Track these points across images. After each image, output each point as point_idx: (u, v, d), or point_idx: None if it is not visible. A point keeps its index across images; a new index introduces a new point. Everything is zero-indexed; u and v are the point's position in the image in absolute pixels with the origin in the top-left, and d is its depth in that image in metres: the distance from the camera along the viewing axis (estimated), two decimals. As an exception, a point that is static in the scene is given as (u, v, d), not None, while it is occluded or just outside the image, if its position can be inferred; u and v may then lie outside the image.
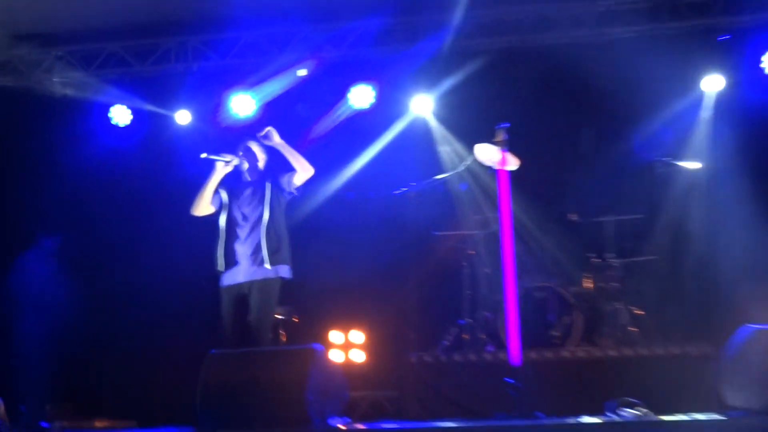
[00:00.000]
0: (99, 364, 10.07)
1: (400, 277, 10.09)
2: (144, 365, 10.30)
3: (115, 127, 10.97)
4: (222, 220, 7.93)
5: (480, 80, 10.05)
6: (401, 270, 10.04)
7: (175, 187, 9.56)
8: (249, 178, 8.12)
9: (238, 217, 7.94)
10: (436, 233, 9.96)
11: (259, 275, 7.74)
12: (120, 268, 10.60)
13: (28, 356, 9.73)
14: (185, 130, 10.92)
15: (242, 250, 7.82)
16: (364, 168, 10.48)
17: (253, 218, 7.91)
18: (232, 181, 8.09)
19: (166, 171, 10.52)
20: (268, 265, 7.71)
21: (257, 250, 7.77)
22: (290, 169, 7.91)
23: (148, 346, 10.31)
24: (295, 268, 7.94)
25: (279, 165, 8.03)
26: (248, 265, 7.78)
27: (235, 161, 7.97)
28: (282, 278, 7.81)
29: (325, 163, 9.82)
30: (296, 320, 9.53)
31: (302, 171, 7.88)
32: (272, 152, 8.08)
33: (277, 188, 7.98)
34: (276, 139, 7.89)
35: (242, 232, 7.89)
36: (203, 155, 7.84)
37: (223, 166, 7.89)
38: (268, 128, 7.87)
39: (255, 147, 8.13)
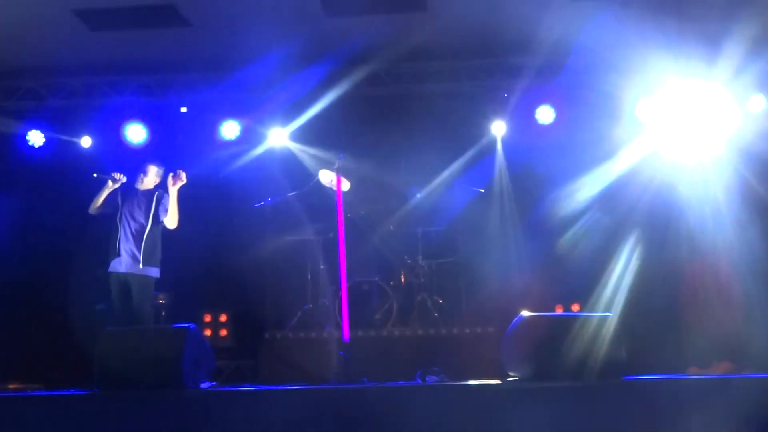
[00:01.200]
0: (10, 336, 9.62)
1: (258, 271, 10.01)
2: (49, 338, 9.93)
3: (32, 147, 10.50)
4: (117, 218, 7.97)
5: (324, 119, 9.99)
6: (259, 266, 9.95)
7: (77, 195, 9.15)
8: (141, 191, 8.09)
9: (128, 219, 7.98)
10: (288, 238, 9.92)
11: (136, 271, 7.84)
12: (29, 255, 10.22)
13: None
14: (88, 152, 10.52)
15: (126, 246, 7.88)
16: (232, 185, 10.24)
17: (137, 224, 7.96)
18: (129, 189, 8.13)
19: (71, 180, 10.00)
20: (141, 266, 7.82)
21: (137, 251, 7.84)
22: (166, 210, 7.98)
23: (52, 322, 9.95)
24: (177, 263, 8.03)
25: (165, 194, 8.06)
26: (128, 260, 7.86)
27: (122, 180, 8.00)
28: (151, 277, 7.90)
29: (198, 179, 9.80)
30: (162, 302, 9.45)
31: (170, 223, 7.99)
32: (165, 179, 8.09)
33: (159, 209, 8.02)
34: (176, 186, 7.87)
35: (127, 232, 7.92)
36: (95, 175, 7.97)
37: (111, 183, 7.95)
38: (182, 173, 7.88)
39: (153, 169, 8.17)
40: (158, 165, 8.26)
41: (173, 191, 7.90)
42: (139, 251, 7.85)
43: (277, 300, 10.05)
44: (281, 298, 10.02)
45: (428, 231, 9.80)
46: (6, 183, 10.30)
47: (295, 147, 10.29)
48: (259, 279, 10.06)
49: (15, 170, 10.37)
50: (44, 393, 6.90)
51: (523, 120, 10.04)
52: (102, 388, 5.99)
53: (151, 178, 8.21)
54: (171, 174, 7.92)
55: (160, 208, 8.04)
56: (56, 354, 9.74)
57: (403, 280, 9.71)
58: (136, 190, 8.17)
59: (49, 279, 10.17)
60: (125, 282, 7.87)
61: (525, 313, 6.07)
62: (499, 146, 10.19)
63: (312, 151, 10.06)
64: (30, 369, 9.58)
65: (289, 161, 10.28)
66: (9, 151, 10.46)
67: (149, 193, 8.13)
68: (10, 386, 8.96)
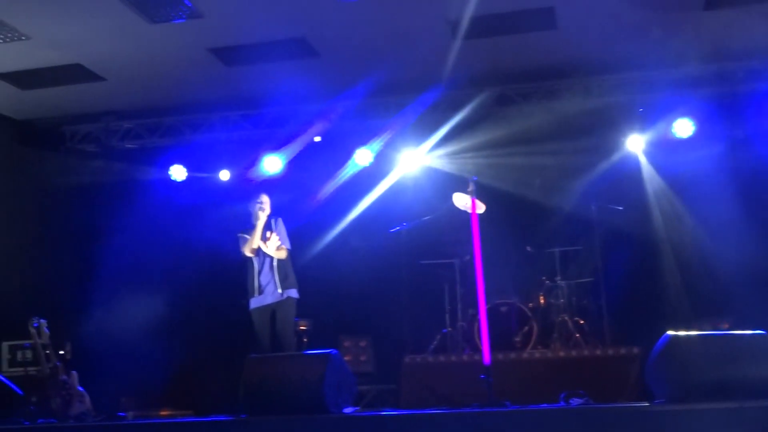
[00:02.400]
0: (164, 366, 9.95)
1: (396, 296, 10.08)
2: (198, 367, 10.26)
3: (173, 182, 10.91)
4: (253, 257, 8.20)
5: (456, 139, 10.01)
6: (397, 290, 10.04)
7: (218, 227, 9.65)
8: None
9: (259, 252, 8.19)
10: (424, 262, 9.97)
11: (277, 298, 8.07)
12: (176, 296, 10.51)
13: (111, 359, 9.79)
14: (226, 184, 10.87)
15: (264, 280, 8.12)
16: (366, 212, 10.36)
17: (268, 256, 8.18)
18: (249, 225, 8.31)
19: (210, 213, 10.42)
20: (280, 291, 8.04)
21: (274, 280, 8.07)
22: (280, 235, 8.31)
23: (200, 351, 10.29)
24: (317, 290, 8.24)
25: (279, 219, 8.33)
26: (269, 292, 8.10)
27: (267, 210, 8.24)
28: (293, 298, 8.10)
29: (335, 208, 9.93)
30: (303, 328, 9.63)
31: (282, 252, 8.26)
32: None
33: (279, 234, 8.26)
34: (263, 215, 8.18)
35: (263, 264, 8.16)
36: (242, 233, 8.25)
37: (261, 214, 8.18)
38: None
39: (266, 199, 8.33)
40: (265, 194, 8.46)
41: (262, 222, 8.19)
42: (276, 279, 8.09)
43: (416, 324, 10.11)
44: (419, 322, 10.08)
45: (566, 251, 9.67)
46: (151, 217, 10.60)
47: (427, 171, 10.36)
48: (397, 303, 10.17)
49: (160, 204, 10.71)
50: (194, 419, 7.08)
51: (661, 134, 9.82)
52: (249, 413, 6.11)
53: (268, 208, 8.37)
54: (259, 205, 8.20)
55: (280, 234, 8.27)
56: (205, 381, 10.05)
57: (542, 301, 9.61)
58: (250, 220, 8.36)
59: (197, 310, 10.55)
60: (267, 312, 8.12)
61: (671, 332, 5.87)
62: (643, 160, 10.02)
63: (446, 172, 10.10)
64: (181, 396, 9.92)
65: (421, 185, 10.35)
66: (153, 187, 10.88)
67: (267, 223, 8.34)
68: (162, 413, 9.35)
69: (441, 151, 10.13)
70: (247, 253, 8.19)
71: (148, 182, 10.90)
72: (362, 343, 10.27)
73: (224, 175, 10.86)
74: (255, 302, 8.15)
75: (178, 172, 10.83)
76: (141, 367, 9.88)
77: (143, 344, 9.91)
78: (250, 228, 8.24)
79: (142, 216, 10.51)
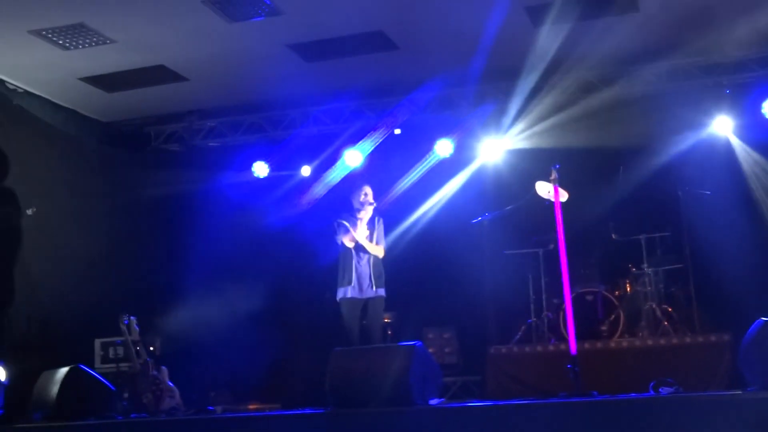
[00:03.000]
0: (251, 360, 10.08)
1: (480, 287, 10.07)
2: (285, 361, 10.40)
3: (257, 178, 11.08)
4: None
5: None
6: (480, 281, 10.02)
7: (301, 221, 9.89)
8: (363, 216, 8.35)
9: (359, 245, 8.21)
10: (506, 252, 9.94)
11: (370, 294, 8.13)
12: (261, 290, 10.49)
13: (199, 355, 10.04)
14: (306, 180, 10.98)
15: (359, 273, 8.15)
16: (448, 203, 10.37)
17: (366, 251, 8.21)
18: (346, 213, 8.36)
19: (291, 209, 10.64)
20: (374, 288, 8.11)
21: (369, 276, 8.13)
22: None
23: (287, 345, 10.39)
24: (401, 282, 8.39)
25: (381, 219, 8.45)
26: (363, 286, 8.15)
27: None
28: (383, 297, 8.19)
29: (416, 200, 10.05)
30: (388, 320, 9.65)
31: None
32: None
33: (379, 234, 8.35)
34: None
35: (361, 258, 8.19)
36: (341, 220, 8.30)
37: (368, 208, 8.29)
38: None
39: (370, 191, 8.35)
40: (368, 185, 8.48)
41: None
42: (372, 276, 8.15)
43: (500, 315, 10.09)
44: (504, 313, 10.07)
45: (652, 237, 9.51)
46: (236, 214, 10.81)
47: (509, 160, 10.34)
48: (481, 294, 10.14)
49: (243, 201, 10.90)
50: (282, 413, 7.20)
51: (750, 116, 9.62)
52: (335, 406, 6.15)
53: (371, 200, 8.38)
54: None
55: (379, 233, 8.32)
56: (292, 374, 10.23)
57: (628, 289, 9.51)
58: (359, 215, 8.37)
59: (283, 303, 10.70)
60: (359, 305, 8.20)
61: (764, 318, 5.74)
62: (735, 141, 9.84)
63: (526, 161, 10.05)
64: (268, 390, 10.10)
65: (503, 175, 10.32)
66: (237, 184, 11.04)
67: (371, 219, 8.38)
68: (250, 406, 9.49)
69: (522, 139, 10.06)
70: (347, 243, 8.22)
71: (231, 180, 11.04)
72: (446, 335, 10.27)
73: (305, 171, 10.98)
74: (348, 293, 8.18)
75: (260, 169, 10.99)
76: (228, 362, 10.16)
77: (231, 340, 10.07)
78: (348, 216, 8.27)
79: (226, 213, 10.71)
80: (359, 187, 8.36)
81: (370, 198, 8.29)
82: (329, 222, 8.44)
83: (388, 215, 8.86)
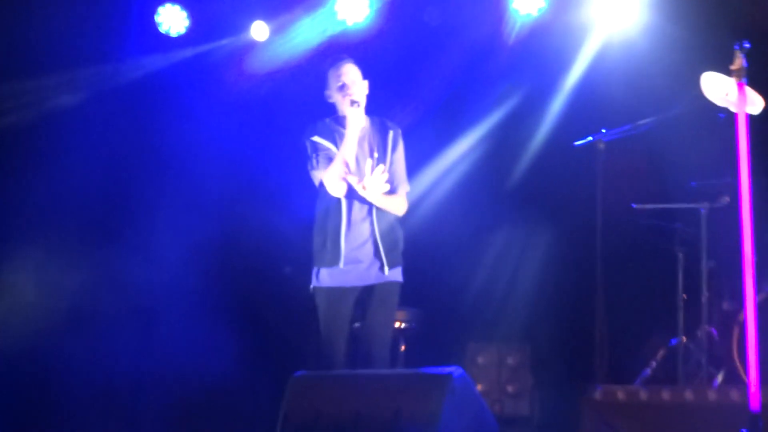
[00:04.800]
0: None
1: (581, 272, 10.05)
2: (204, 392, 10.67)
3: (165, 37, 11.31)
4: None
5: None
6: (582, 262, 9.97)
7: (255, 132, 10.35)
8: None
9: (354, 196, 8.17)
10: (636, 206, 9.96)
11: (374, 278, 8.17)
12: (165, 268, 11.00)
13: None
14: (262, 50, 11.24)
15: (358, 241, 8.16)
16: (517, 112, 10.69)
17: (363, 202, 8.16)
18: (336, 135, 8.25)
19: (237, 107, 11.14)
20: (383, 268, 8.12)
21: (374, 246, 8.15)
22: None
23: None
24: (424, 265, 8.72)
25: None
26: (367, 264, 8.15)
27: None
28: (397, 283, 8.24)
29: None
30: (402, 325, 10.10)
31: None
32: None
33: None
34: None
35: (355, 218, 8.16)
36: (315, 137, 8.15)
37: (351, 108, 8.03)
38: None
39: (355, 71, 8.18)
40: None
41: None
42: (380, 246, 8.12)
43: (614, 327, 9.92)
44: (621, 325, 9.99)
45: None
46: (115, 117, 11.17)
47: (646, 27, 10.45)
48: (583, 287, 10.02)
49: (134, 88, 11.25)
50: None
51: None
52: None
53: (363, 96, 8.20)
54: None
55: (396, 163, 8.24)
56: (227, 404, 10.53)
57: None
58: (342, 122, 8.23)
59: (207, 290, 11.04)
60: (350, 297, 8.23)
61: None
62: None
63: None
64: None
65: (637, 55, 10.51)
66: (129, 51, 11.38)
67: (380, 135, 8.24)
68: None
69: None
70: (329, 186, 8.04)
71: (113, 42, 11.36)
72: (511, 360, 10.42)
73: (258, 29, 11.17)
74: (331, 278, 8.13)
75: (173, 22, 11.29)
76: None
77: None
78: (329, 128, 8.17)
79: (95, 117, 11.19)
80: (333, 66, 8.19)
81: (355, 88, 8.08)
82: (300, 140, 8.27)
83: (414, 134, 8.86)
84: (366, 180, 7.82)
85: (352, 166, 7.94)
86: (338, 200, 8.04)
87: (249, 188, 10.95)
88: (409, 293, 8.69)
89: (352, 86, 7.99)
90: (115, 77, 11.25)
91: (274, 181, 10.37)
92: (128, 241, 10.94)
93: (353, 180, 7.86)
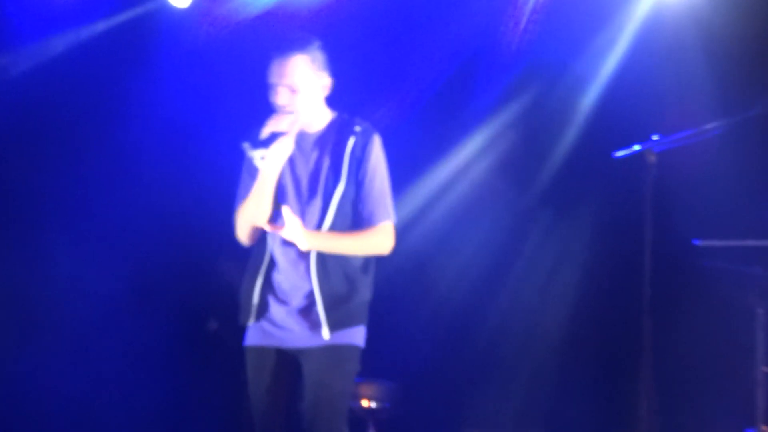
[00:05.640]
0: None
1: (621, 333, 10.15)
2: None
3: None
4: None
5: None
6: (624, 318, 9.99)
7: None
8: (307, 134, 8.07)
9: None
10: (699, 243, 9.66)
11: (306, 341, 8.04)
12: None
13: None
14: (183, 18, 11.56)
15: (290, 283, 8.00)
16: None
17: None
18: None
19: (148, 93, 11.39)
20: (322, 326, 7.90)
21: (309, 293, 7.95)
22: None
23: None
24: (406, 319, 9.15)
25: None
26: (295, 318, 8.02)
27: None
28: (354, 347, 8.06)
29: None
30: (370, 405, 10.24)
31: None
32: None
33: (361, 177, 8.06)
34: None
35: (289, 251, 7.98)
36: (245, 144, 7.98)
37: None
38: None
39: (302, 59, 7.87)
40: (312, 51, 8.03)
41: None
42: (316, 293, 7.87)
43: (678, 408, 10.28)
44: (686, 404, 10.43)
45: None
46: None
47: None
48: (629, 350, 9.85)
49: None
50: None
51: None
52: None
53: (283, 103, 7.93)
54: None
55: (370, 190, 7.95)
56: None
57: None
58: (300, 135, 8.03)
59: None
60: (282, 360, 8.11)
61: None
62: None
63: None
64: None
65: (708, 29, 10.53)
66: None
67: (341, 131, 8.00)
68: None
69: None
70: (236, 231, 8.00)
71: None
72: None
73: None
74: (252, 333, 8.08)
75: None
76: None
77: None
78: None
79: None
80: (276, 56, 7.92)
81: (290, 98, 7.79)
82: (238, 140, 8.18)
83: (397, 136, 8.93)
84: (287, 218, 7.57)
85: (289, 191, 7.83)
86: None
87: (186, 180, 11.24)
88: (382, 361, 8.77)
89: (285, 94, 7.75)
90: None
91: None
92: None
93: (287, 212, 7.58)
